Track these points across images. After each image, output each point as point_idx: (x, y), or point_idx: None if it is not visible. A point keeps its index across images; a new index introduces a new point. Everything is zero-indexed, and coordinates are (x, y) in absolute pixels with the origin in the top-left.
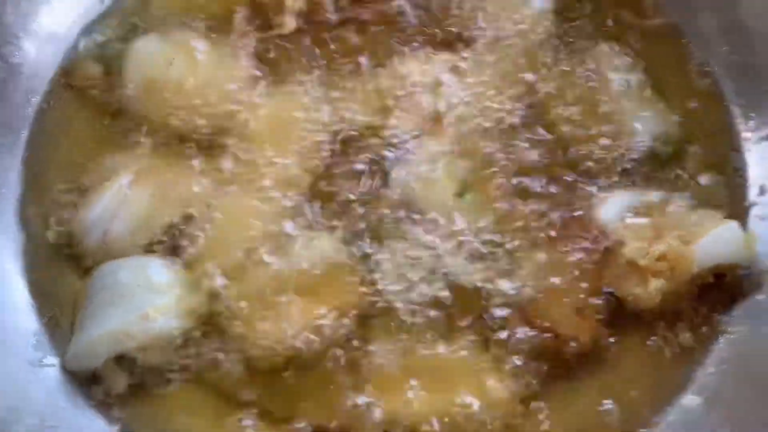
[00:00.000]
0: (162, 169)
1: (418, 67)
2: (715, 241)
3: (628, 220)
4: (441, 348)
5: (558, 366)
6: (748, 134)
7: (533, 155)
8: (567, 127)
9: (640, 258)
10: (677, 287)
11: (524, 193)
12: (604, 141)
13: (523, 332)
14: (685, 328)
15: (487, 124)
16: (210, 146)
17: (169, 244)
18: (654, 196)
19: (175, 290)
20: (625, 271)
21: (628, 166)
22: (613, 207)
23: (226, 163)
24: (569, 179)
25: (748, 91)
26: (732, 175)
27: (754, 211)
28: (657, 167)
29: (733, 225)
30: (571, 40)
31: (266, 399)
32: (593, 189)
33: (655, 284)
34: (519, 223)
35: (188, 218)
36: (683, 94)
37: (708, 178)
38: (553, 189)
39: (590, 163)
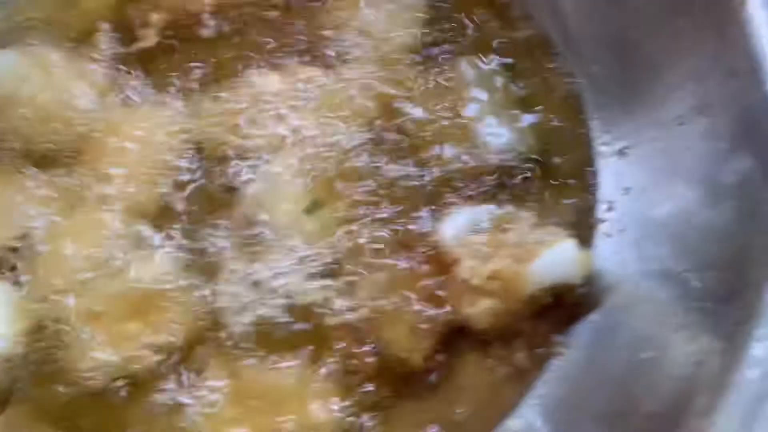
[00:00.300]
0: (3, 187)
1: (278, 82)
2: (549, 260)
3: (467, 237)
4: (270, 370)
5: (387, 388)
6: (603, 148)
7: (386, 171)
8: (421, 141)
9: (473, 277)
10: (512, 307)
11: (372, 211)
12: (458, 155)
13: (354, 353)
14: (522, 348)
15: (342, 140)
16: (56, 164)
17: (5, 264)
18: (499, 211)
19: (1, 311)
20: (460, 290)
21: (480, 180)
22: (455, 223)
23: (73, 182)
24: (419, 194)
25: (607, 105)
26: (584, 190)
27: (601, 228)
28: (510, 182)
29: (569, 244)
30: (434, 52)
31: (94, 424)
32: (441, 204)
33: (486, 304)
34: (363, 241)
35: (26, 238)
36: (545, 106)
37: (559, 193)
38: (401, 205)
39: (441, 178)
